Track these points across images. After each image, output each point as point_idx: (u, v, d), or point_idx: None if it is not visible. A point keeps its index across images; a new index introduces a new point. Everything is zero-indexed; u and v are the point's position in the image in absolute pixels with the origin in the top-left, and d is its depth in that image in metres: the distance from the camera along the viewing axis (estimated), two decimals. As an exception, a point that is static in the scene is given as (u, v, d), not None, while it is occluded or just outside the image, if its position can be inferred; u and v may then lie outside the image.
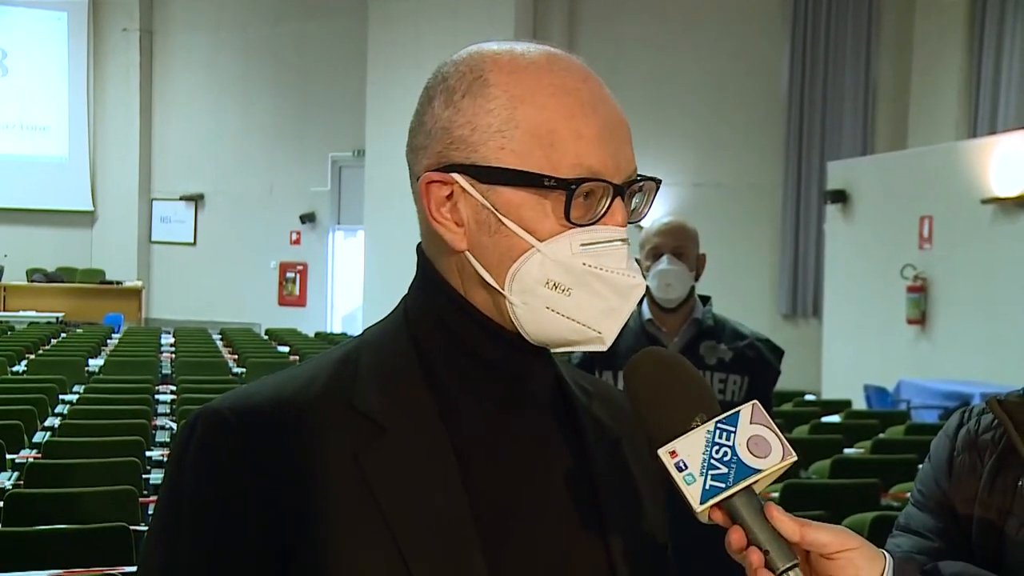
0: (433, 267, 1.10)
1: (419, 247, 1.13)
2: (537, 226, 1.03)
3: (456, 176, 1.05)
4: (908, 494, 1.44)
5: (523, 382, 1.10)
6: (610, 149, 1.04)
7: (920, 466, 1.45)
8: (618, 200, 1.05)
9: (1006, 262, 9.94)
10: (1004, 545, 1.30)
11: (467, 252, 1.06)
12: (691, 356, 3.10)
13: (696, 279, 3.20)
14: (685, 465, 0.98)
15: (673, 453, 0.98)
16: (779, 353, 3.24)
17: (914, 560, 1.31)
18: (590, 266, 1.03)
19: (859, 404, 10.27)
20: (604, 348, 1.06)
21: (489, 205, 1.04)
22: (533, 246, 1.03)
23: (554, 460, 1.09)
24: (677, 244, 3.16)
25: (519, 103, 1.03)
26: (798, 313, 14.65)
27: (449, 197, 1.05)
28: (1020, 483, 1.30)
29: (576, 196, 1.02)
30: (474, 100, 1.05)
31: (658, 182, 1.10)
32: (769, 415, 1.02)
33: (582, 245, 1.03)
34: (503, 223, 1.03)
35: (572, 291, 1.03)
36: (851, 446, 6.89)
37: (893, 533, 1.40)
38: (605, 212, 1.04)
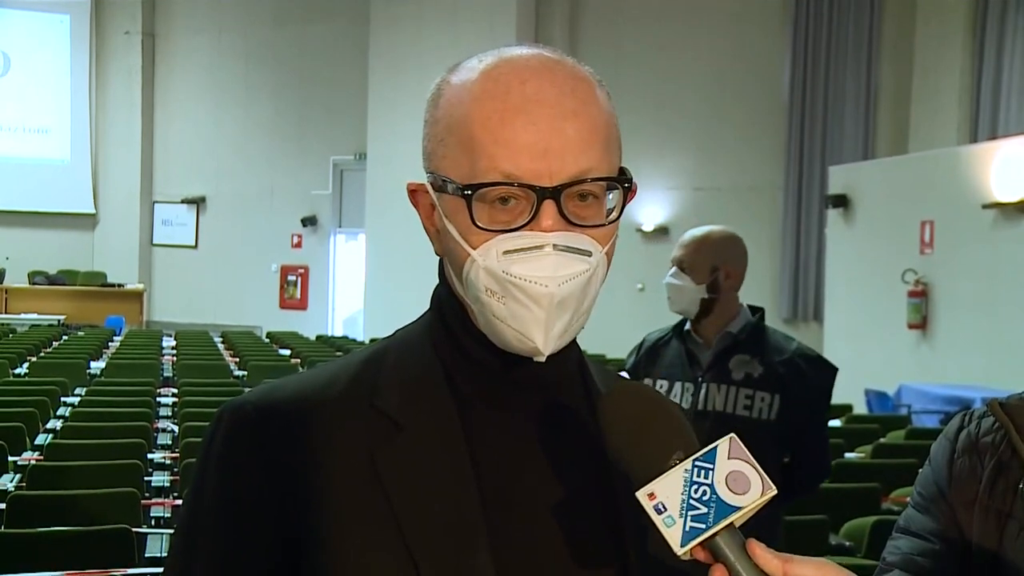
0: (444, 278, 1.13)
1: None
2: (469, 233, 1.03)
3: (428, 186, 1.08)
4: (908, 498, 1.45)
5: (542, 389, 1.10)
6: (538, 152, 1.01)
7: (920, 469, 1.45)
8: (547, 204, 1.01)
9: (1007, 267, 9.95)
10: (1003, 548, 1.30)
11: (444, 258, 1.09)
12: (719, 369, 3.02)
13: (715, 291, 3.09)
14: (664, 507, 0.96)
15: (651, 495, 0.96)
16: (826, 369, 3.08)
17: (913, 563, 1.32)
18: (508, 274, 1.01)
19: (860, 408, 10.27)
20: (542, 358, 1.04)
21: (442, 212, 1.06)
22: (469, 253, 1.03)
23: (570, 467, 1.09)
24: (683, 257, 3.11)
25: (453, 111, 1.05)
26: (799, 317, 14.64)
27: (432, 205, 1.09)
28: (1021, 486, 1.30)
29: (480, 201, 1.02)
30: (433, 112, 1.08)
31: (621, 181, 1.05)
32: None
33: (504, 253, 1.02)
34: (448, 230, 1.05)
35: (504, 299, 1.02)
36: (852, 450, 6.90)
37: (893, 535, 1.40)
38: (532, 218, 1.01)
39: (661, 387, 3.05)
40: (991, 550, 1.31)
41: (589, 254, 1.03)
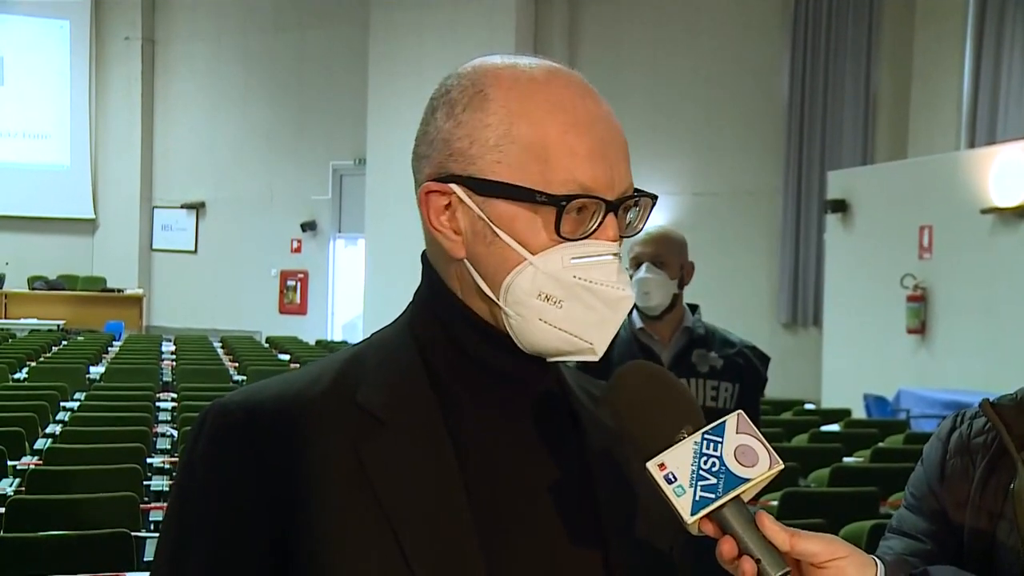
0: (436, 273, 1.13)
1: (423, 254, 1.16)
2: (530, 239, 1.05)
3: (454, 187, 1.07)
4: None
5: (524, 387, 1.12)
6: (603, 166, 1.06)
7: (913, 470, 1.46)
8: (611, 216, 1.06)
9: (1006, 271, 9.95)
10: (995, 547, 1.31)
11: (465, 260, 1.09)
12: (683, 364, 3.12)
13: (681, 287, 3.21)
14: (674, 477, 0.99)
15: (662, 466, 0.99)
16: (766, 360, 3.27)
17: (906, 563, 1.33)
18: (580, 279, 1.05)
19: (859, 413, 10.26)
20: (596, 358, 1.08)
21: (485, 217, 1.06)
22: (526, 259, 1.05)
23: (553, 464, 1.11)
24: (657, 253, 3.17)
25: (516, 118, 1.06)
26: (798, 322, 14.65)
27: (448, 206, 1.08)
28: (1012, 486, 1.31)
29: (567, 212, 1.04)
30: (474, 114, 1.07)
31: (654, 198, 1.12)
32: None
33: (573, 259, 1.05)
34: (498, 235, 1.06)
35: (563, 303, 1.05)
36: (850, 455, 6.89)
37: (885, 535, 1.41)
38: (597, 227, 1.06)
39: None
40: (983, 550, 1.32)
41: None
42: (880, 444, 7.34)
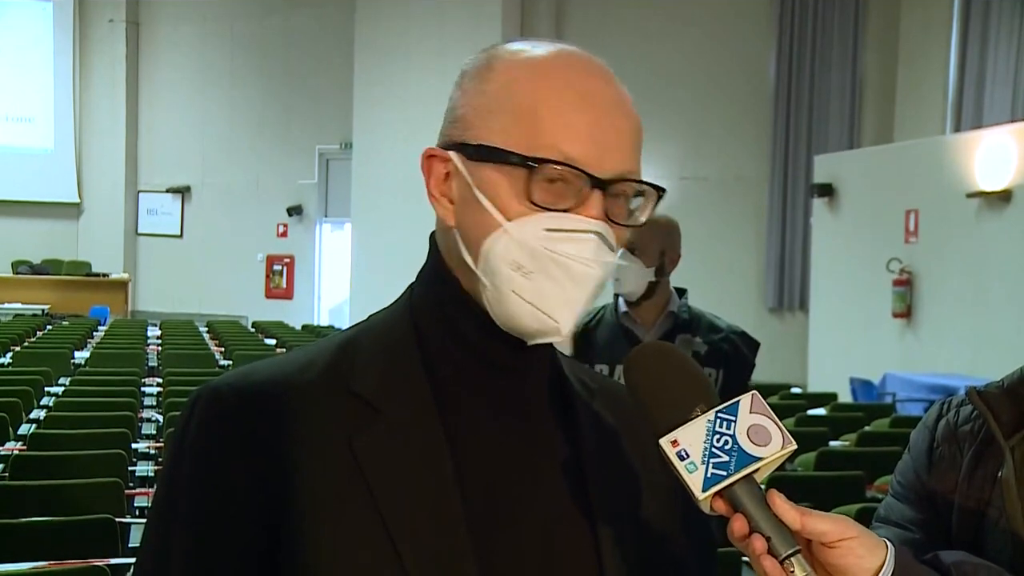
0: (439, 253, 1.12)
1: (431, 235, 1.15)
2: (508, 205, 1.03)
3: (452, 154, 1.07)
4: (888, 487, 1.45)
5: (519, 376, 1.11)
6: (593, 141, 1.03)
7: (900, 459, 1.46)
8: (597, 193, 1.04)
9: (991, 256, 9.99)
10: (984, 536, 1.31)
11: (455, 229, 1.08)
12: None
13: (661, 275, 3.18)
14: (687, 454, 0.99)
15: (675, 443, 0.99)
16: (754, 346, 3.24)
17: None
18: (550, 251, 1.03)
19: (845, 397, 10.31)
20: (560, 338, 1.06)
21: (471, 181, 1.05)
22: (501, 224, 1.04)
23: (546, 453, 1.10)
24: (634, 239, 3.10)
25: (513, 85, 1.06)
26: (784, 307, 14.68)
27: (448, 175, 1.08)
28: (999, 473, 1.31)
29: (539, 177, 1.02)
30: (477, 83, 1.08)
31: (660, 190, 1.09)
32: None
33: (547, 230, 1.03)
34: (478, 200, 1.05)
35: (533, 275, 1.03)
36: (836, 439, 6.93)
37: (873, 525, 1.40)
38: (578, 203, 1.03)
39: (601, 372, 3.06)
40: (971, 539, 1.31)
41: (615, 250, 1.07)
42: (866, 428, 7.37)
